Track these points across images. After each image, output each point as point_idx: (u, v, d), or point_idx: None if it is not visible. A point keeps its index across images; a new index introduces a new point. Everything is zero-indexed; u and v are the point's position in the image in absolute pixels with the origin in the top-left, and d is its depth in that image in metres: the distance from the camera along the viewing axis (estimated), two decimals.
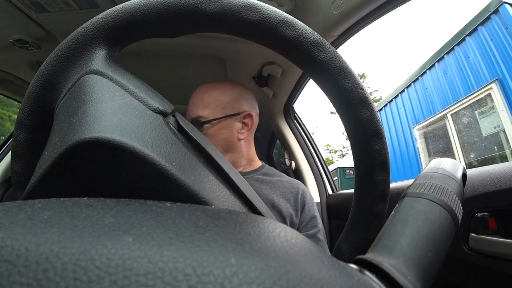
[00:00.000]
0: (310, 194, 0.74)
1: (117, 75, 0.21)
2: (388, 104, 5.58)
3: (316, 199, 1.09)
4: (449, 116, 3.96)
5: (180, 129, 0.21)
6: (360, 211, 0.26)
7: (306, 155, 1.17)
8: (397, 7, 0.60)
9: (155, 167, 0.15)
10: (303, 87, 1.05)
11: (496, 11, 3.28)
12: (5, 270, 0.07)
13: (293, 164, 1.21)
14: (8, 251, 0.08)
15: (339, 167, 8.04)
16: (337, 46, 0.75)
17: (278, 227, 0.13)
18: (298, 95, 1.12)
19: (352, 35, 0.70)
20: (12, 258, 0.08)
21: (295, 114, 1.25)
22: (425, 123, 4.41)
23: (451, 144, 3.88)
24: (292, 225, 0.66)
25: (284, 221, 0.65)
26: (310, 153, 1.18)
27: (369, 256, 0.17)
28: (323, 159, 1.20)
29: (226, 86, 0.71)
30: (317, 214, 0.71)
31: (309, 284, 0.09)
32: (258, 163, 0.77)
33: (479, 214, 0.39)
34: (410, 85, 4.89)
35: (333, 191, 1.12)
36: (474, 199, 0.40)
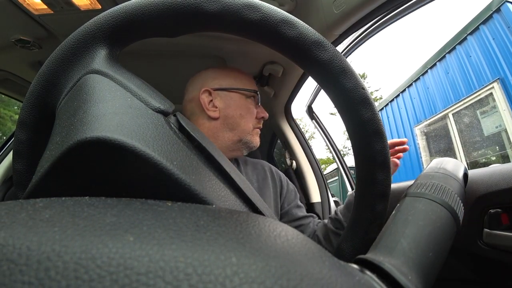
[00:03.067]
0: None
1: (118, 75, 0.21)
2: (389, 103, 5.57)
3: (317, 199, 1.09)
4: (450, 115, 3.94)
5: (181, 128, 0.21)
6: (361, 211, 0.26)
7: (307, 154, 1.17)
8: (397, 4, 0.59)
9: (156, 166, 0.15)
10: (303, 87, 1.05)
11: (498, 10, 3.27)
12: (7, 268, 0.08)
13: (294, 163, 1.21)
14: (9, 250, 0.08)
15: None
16: (338, 46, 0.74)
17: (279, 227, 0.13)
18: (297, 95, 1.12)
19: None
20: (14, 257, 0.08)
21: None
22: (427, 122, 4.40)
23: (452, 143, 3.87)
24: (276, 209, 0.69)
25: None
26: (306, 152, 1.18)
27: (370, 256, 0.17)
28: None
29: None
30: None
31: (310, 284, 0.09)
32: None
33: (492, 211, 0.41)
34: (411, 84, 4.88)
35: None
36: (487, 196, 0.41)
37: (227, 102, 0.64)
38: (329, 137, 1.25)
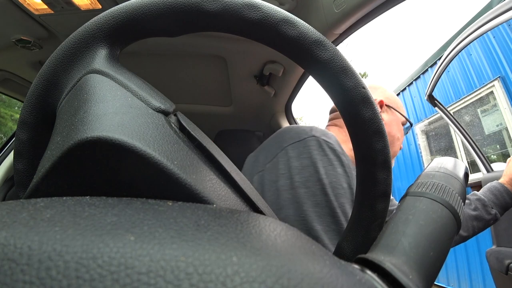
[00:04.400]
0: None
1: (119, 75, 0.21)
2: None
3: None
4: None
5: (182, 128, 0.21)
6: (361, 210, 0.26)
7: None
8: (398, 3, 0.59)
9: (157, 166, 0.15)
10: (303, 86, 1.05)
11: None
12: (8, 268, 0.08)
13: None
14: (11, 249, 0.08)
15: None
16: (338, 45, 0.74)
17: (279, 226, 0.13)
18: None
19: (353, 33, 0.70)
20: (15, 256, 0.08)
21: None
22: (427, 121, 4.39)
23: (453, 142, 3.87)
24: None
25: None
26: None
27: (370, 255, 0.17)
28: None
29: None
30: None
31: (311, 283, 0.09)
32: None
33: None
34: (411, 83, 4.87)
35: None
36: None
37: (392, 121, 0.68)
38: (455, 123, 1.23)
